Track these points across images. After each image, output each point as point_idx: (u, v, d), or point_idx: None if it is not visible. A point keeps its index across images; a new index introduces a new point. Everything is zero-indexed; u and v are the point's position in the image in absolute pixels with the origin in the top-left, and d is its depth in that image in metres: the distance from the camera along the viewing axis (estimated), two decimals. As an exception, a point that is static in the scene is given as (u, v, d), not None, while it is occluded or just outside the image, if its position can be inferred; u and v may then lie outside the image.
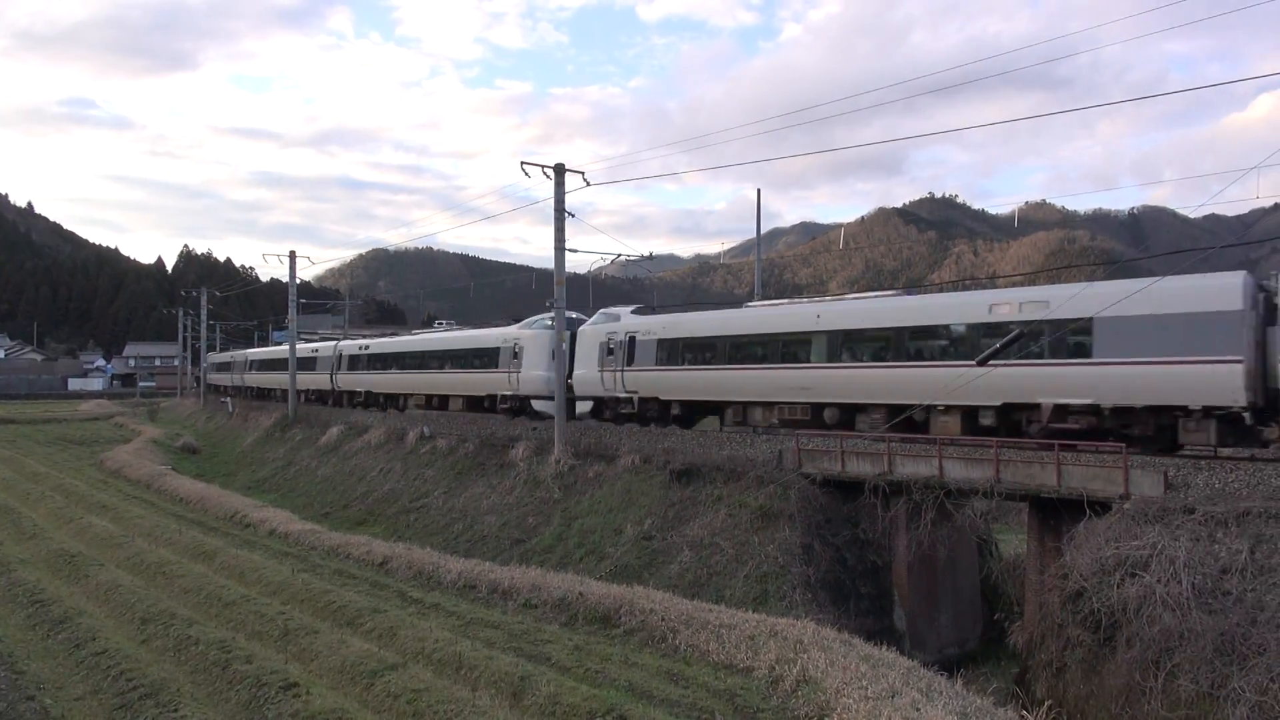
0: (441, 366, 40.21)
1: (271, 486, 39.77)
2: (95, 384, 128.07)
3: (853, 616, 18.16)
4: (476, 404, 37.39)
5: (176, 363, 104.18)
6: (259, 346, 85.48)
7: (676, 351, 27.74)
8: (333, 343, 54.56)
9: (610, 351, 29.52)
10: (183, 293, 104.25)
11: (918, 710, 9.86)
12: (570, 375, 30.71)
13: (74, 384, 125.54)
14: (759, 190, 45.75)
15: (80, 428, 63.80)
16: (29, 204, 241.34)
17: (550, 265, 29.30)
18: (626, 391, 28.97)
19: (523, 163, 27.30)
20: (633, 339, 28.92)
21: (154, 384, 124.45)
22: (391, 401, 45.73)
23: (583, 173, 28.38)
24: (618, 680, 11.51)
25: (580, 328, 31.53)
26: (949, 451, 19.16)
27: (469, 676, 11.64)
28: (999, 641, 19.28)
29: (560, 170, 27.96)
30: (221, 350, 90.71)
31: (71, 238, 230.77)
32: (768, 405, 25.02)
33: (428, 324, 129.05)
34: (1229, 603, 12.59)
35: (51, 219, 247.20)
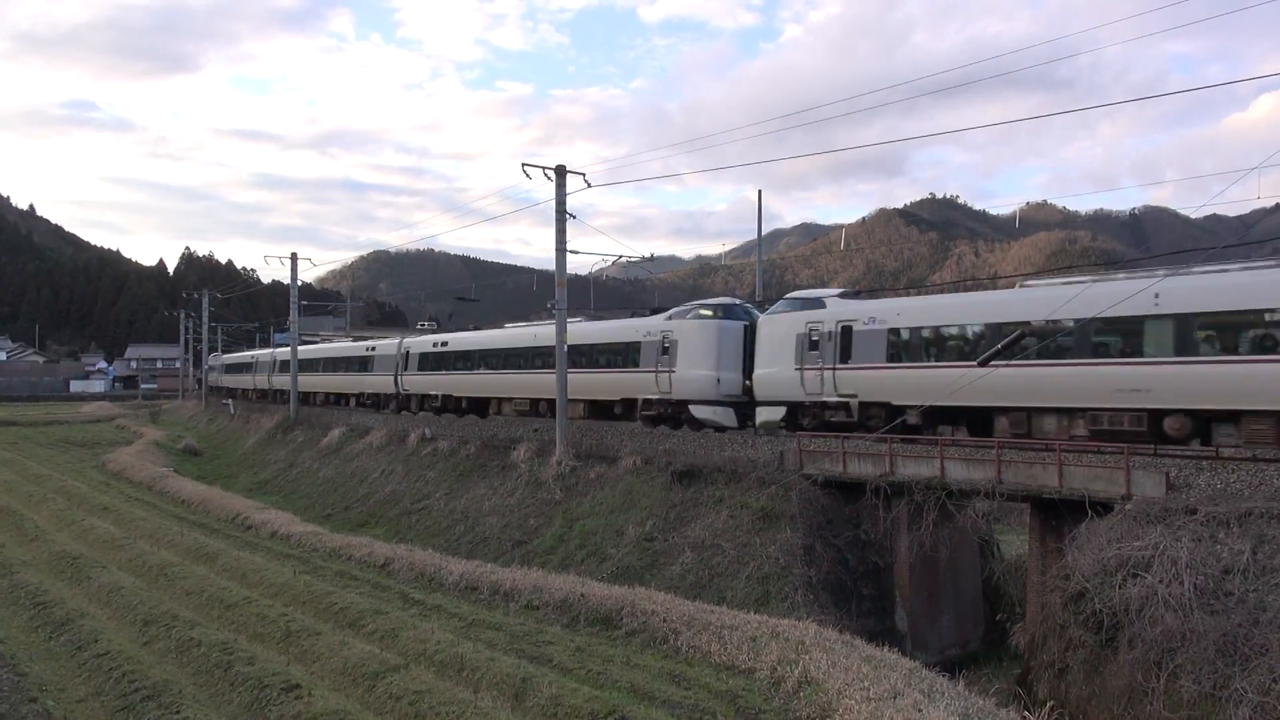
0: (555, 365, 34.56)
1: (273, 488, 39.81)
2: (97, 386, 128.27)
3: (854, 617, 18.16)
4: (604, 410, 31.65)
5: (178, 365, 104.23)
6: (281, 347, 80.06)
7: (918, 344, 22.57)
8: (395, 339, 47.53)
9: (813, 345, 24.27)
10: (184, 295, 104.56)
11: (920, 711, 9.86)
12: (749, 375, 26.66)
13: (76, 386, 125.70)
14: (760, 191, 45.85)
15: (82, 430, 63.89)
16: (30, 206, 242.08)
17: (551, 266, 29.36)
18: (840, 395, 23.66)
19: (524, 164, 27.38)
20: (848, 329, 23.68)
21: (156, 386, 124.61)
22: (478, 407, 39.38)
23: (584, 174, 28.46)
24: (619, 681, 11.52)
25: (764, 316, 26.87)
26: (950, 452, 19.17)
27: (471, 678, 11.66)
28: (1001, 642, 19.29)
29: (561, 172, 28.00)
30: (227, 351, 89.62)
31: (73, 240, 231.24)
32: (1068, 412, 19.75)
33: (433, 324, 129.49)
34: (1231, 603, 12.58)
35: (53, 221, 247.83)
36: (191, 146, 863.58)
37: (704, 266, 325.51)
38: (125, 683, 11.62)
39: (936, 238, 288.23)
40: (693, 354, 27.38)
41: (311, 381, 56.42)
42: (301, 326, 57.90)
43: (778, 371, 25.18)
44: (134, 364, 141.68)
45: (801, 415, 24.81)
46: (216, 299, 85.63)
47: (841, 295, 25.72)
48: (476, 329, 43.26)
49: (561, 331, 28.42)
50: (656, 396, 28.46)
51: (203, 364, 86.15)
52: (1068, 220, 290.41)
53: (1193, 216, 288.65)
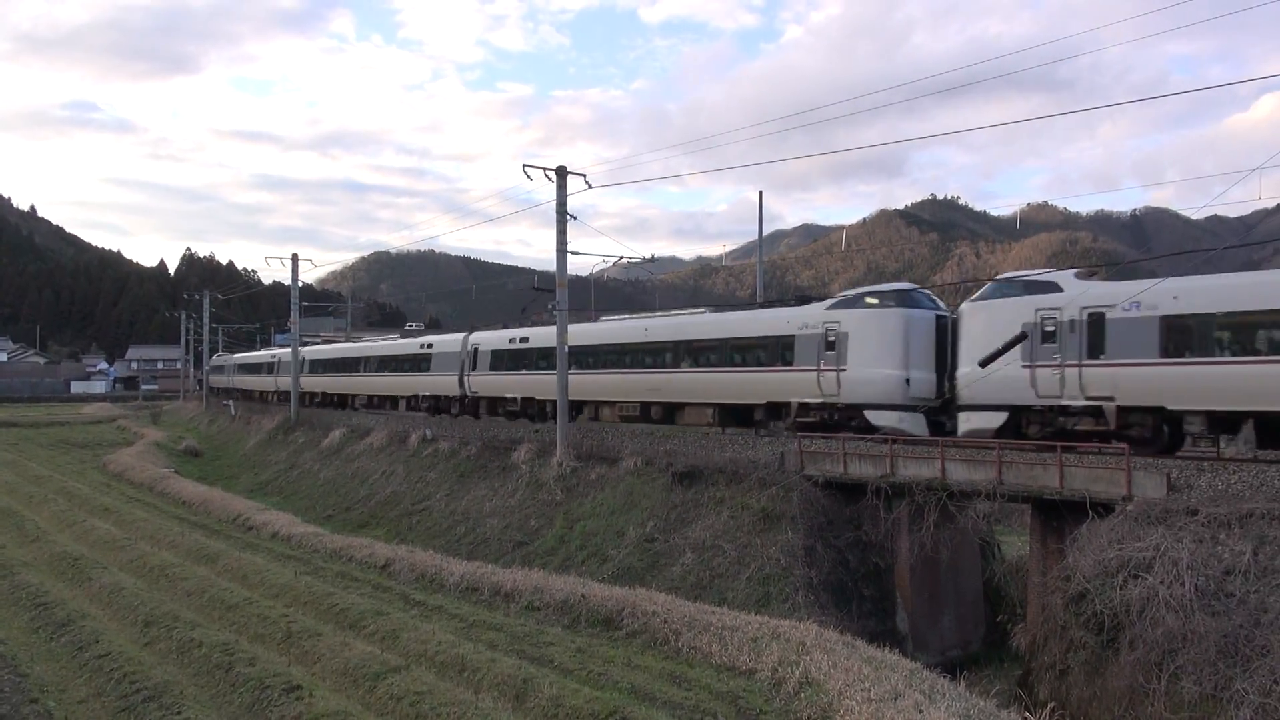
0: (674, 363, 29.03)
1: (274, 489, 39.83)
2: (98, 387, 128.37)
3: (855, 618, 18.16)
4: (741, 415, 27.29)
5: (179, 366, 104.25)
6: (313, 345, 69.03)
7: (1210, 335, 18.13)
8: (457, 335, 42.40)
9: (1048, 337, 20.35)
10: (185, 295, 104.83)
11: (920, 712, 9.87)
12: (951, 373, 22.60)
13: (77, 387, 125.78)
14: (760, 192, 45.66)
15: (83, 431, 63.96)
16: (31, 207, 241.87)
17: (552, 267, 29.36)
18: (1088, 397, 19.58)
19: (525, 165, 27.43)
20: (1098, 316, 19.51)
21: (156, 387, 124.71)
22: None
23: (584, 175, 28.49)
24: (620, 682, 11.53)
25: (970, 304, 22.68)
26: (951, 453, 19.16)
27: (472, 679, 11.67)
28: (1002, 643, 19.28)
29: (562, 173, 28.03)
30: (231, 351, 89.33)
31: (74, 241, 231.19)
32: None
33: (432, 325, 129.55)
34: (1232, 604, 12.58)
35: (54, 222, 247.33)
36: (192, 147, 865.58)
37: (704, 267, 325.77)
38: (126, 684, 11.63)
39: (937, 239, 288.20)
40: (871, 349, 23.28)
41: (347, 383, 52.23)
42: (302, 327, 57.84)
43: (995, 369, 21.20)
44: (135, 365, 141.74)
45: (1027, 422, 20.91)
46: (217, 300, 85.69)
47: (1081, 275, 21.52)
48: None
49: (562, 333, 28.41)
50: (817, 400, 24.25)
51: (203, 365, 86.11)
52: (1068, 221, 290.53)
53: (1194, 217, 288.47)
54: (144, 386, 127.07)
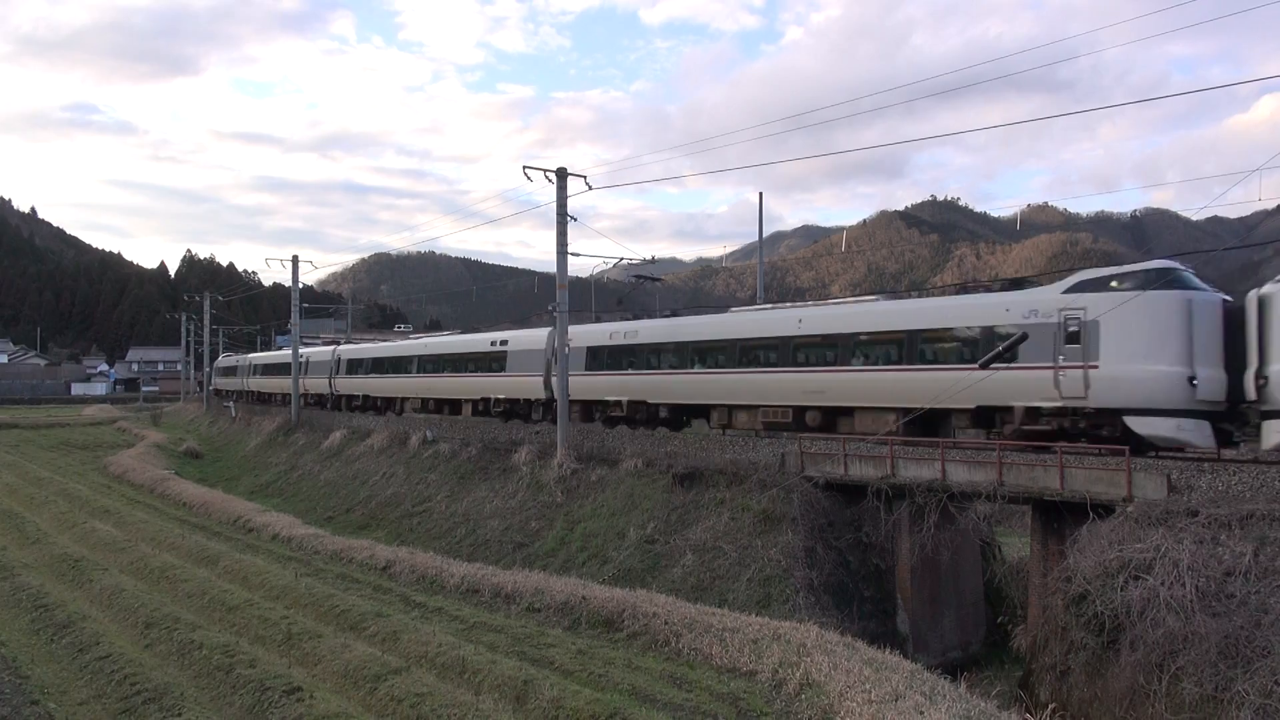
0: (840, 360, 24.25)
1: (275, 491, 39.83)
2: (98, 389, 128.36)
3: (856, 620, 18.17)
4: (933, 422, 22.21)
5: (179, 367, 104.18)
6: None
7: None
8: (543, 330, 36.04)
9: None
10: (185, 297, 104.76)
11: (921, 714, 9.87)
12: (1260, 370, 17.28)
13: (77, 389, 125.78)
14: (760, 194, 45.62)
15: (83, 432, 63.95)
16: (32, 209, 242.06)
17: (552, 269, 29.37)
18: None
19: (525, 167, 27.47)
20: None
21: (157, 388, 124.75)
22: (681, 415, 30.16)
23: (585, 176, 28.52)
24: (621, 684, 11.54)
25: (1278, 284, 17.40)
26: (951, 454, 19.17)
27: (472, 681, 11.68)
28: (1002, 645, 19.32)
29: (562, 174, 28.06)
30: (238, 351, 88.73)
31: (74, 243, 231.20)
32: None
33: (431, 327, 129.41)
34: (1233, 605, 12.58)
35: (55, 224, 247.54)
36: (193, 149, 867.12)
37: (705, 269, 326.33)
38: (127, 685, 11.65)
39: (938, 240, 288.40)
40: (1135, 340, 18.68)
41: (396, 385, 47.17)
42: (302, 329, 57.76)
43: None
44: (135, 366, 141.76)
45: None
46: (218, 301, 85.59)
47: None
48: (673, 314, 33.78)
49: (563, 334, 28.44)
50: (1056, 404, 19.61)
51: (204, 366, 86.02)
52: (1069, 222, 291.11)
53: (1194, 218, 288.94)
54: (144, 388, 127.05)
